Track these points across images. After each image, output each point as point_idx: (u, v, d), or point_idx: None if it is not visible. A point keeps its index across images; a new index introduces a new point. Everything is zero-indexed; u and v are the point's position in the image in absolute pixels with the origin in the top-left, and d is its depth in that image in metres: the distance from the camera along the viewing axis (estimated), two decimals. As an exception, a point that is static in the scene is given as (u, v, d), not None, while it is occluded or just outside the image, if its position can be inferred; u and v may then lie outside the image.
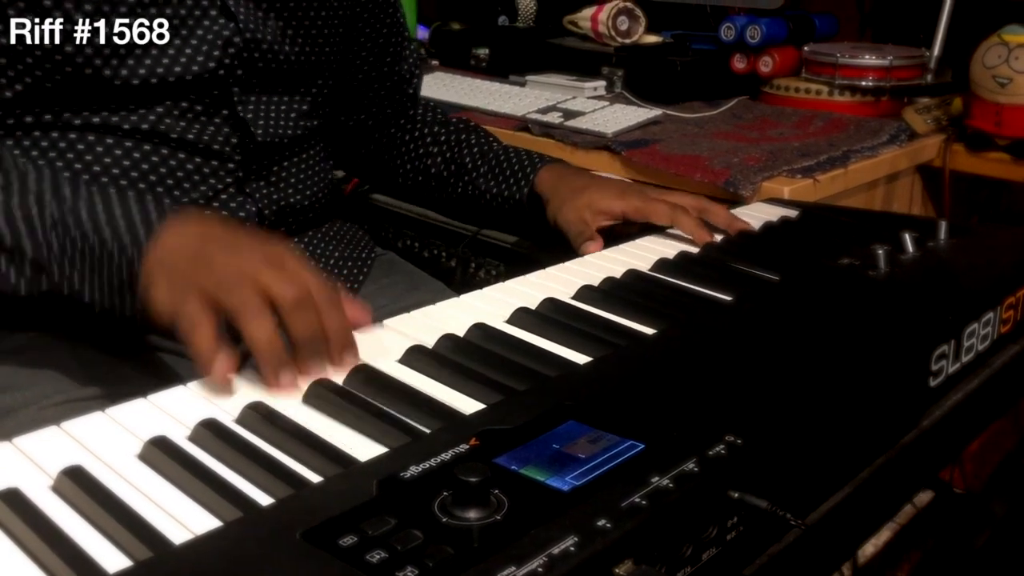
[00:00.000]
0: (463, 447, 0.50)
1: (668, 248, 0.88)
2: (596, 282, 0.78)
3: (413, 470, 0.48)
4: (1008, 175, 1.33)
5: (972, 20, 1.49)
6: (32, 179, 0.70)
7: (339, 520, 0.43)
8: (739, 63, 1.52)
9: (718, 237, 0.91)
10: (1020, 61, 1.26)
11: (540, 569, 0.40)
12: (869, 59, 1.40)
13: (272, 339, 0.59)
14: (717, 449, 0.49)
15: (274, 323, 0.60)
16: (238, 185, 0.87)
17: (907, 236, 0.84)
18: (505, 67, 1.68)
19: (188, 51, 0.81)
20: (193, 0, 0.80)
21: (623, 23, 1.64)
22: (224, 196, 0.86)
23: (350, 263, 1.00)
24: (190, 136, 0.83)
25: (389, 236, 1.45)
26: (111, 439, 0.53)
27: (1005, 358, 0.78)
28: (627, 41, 1.64)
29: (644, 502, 0.45)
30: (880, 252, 0.80)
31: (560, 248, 1.01)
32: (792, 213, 1.01)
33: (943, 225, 0.88)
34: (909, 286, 0.77)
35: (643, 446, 0.50)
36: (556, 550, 0.41)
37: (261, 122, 0.88)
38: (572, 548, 0.41)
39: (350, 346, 0.62)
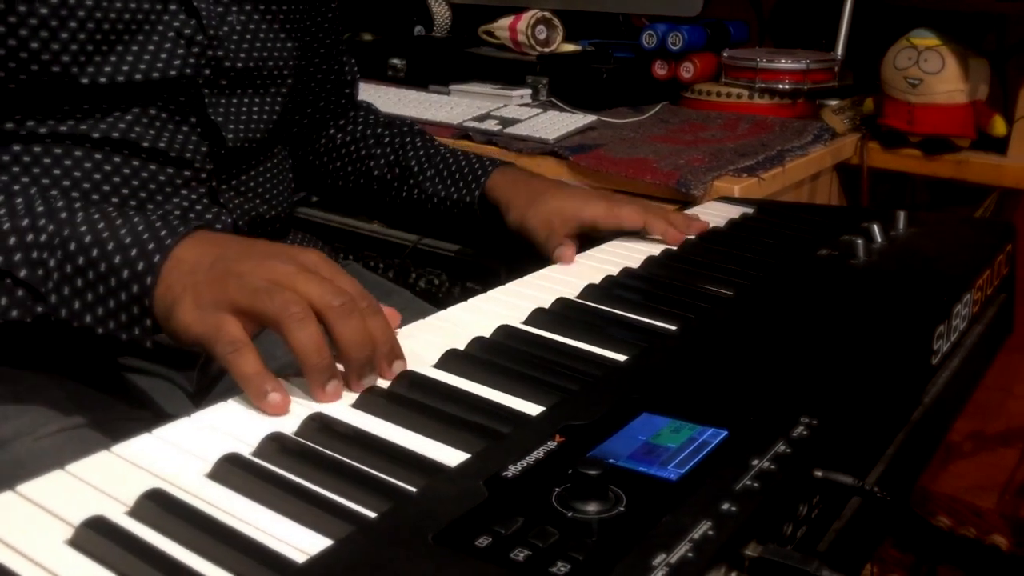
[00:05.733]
0: (551, 444, 0.50)
1: (646, 251, 0.89)
2: (598, 280, 0.79)
3: (513, 469, 0.47)
4: (920, 169, 1.41)
5: (867, 26, 1.58)
6: (20, 196, 0.65)
7: (465, 521, 0.42)
8: (660, 69, 1.56)
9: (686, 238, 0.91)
10: (929, 63, 1.35)
11: (690, 554, 0.40)
12: (787, 63, 1.46)
13: (322, 347, 0.56)
14: (799, 431, 0.51)
15: (321, 329, 0.57)
16: (211, 196, 0.83)
17: (875, 227, 0.88)
18: (424, 77, 1.67)
19: (151, 48, 0.77)
20: None
21: (542, 32, 1.66)
22: (199, 207, 0.82)
23: (319, 274, 0.97)
24: (161, 144, 0.79)
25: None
26: (172, 460, 0.50)
27: (974, 337, 0.84)
28: (546, 50, 1.66)
29: (756, 484, 0.46)
30: (859, 242, 0.84)
31: (510, 254, 1.00)
32: (749, 210, 1.04)
33: (902, 215, 0.93)
34: (895, 273, 0.81)
35: (726, 432, 0.51)
36: (696, 535, 0.41)
37: (231, 126, 0.84)
38: (710, 532, 0.41)
39: (398, 353, 0.60)
